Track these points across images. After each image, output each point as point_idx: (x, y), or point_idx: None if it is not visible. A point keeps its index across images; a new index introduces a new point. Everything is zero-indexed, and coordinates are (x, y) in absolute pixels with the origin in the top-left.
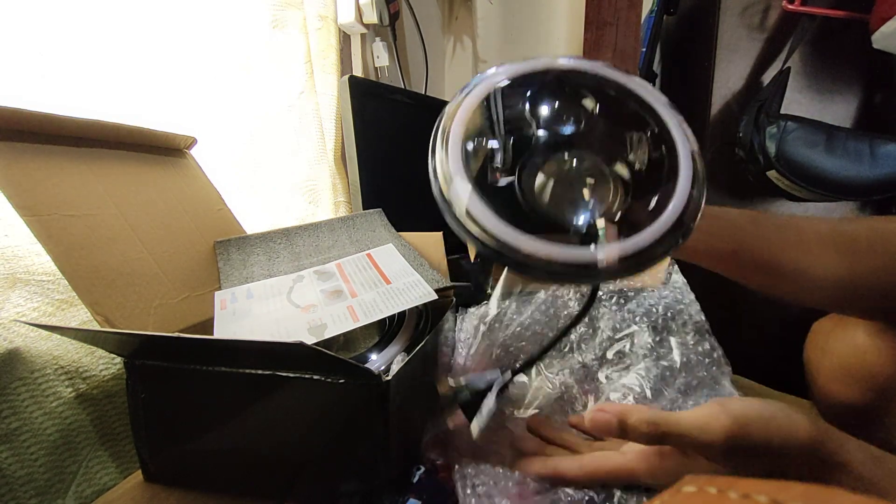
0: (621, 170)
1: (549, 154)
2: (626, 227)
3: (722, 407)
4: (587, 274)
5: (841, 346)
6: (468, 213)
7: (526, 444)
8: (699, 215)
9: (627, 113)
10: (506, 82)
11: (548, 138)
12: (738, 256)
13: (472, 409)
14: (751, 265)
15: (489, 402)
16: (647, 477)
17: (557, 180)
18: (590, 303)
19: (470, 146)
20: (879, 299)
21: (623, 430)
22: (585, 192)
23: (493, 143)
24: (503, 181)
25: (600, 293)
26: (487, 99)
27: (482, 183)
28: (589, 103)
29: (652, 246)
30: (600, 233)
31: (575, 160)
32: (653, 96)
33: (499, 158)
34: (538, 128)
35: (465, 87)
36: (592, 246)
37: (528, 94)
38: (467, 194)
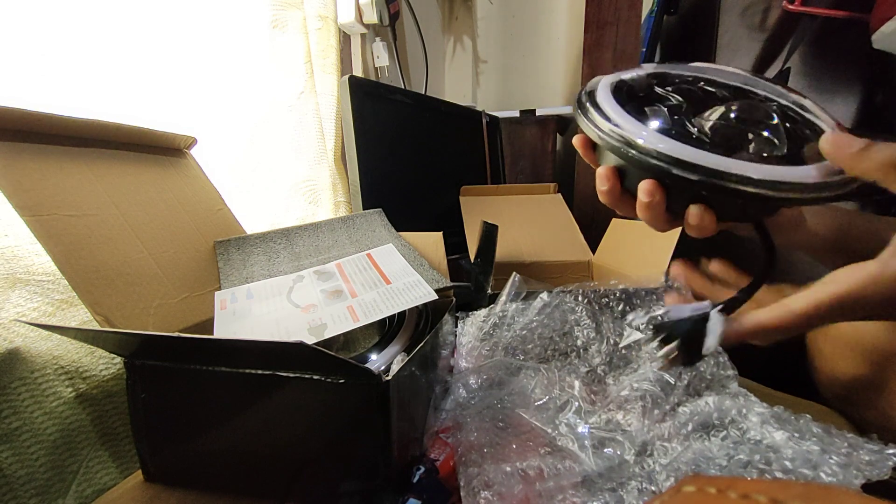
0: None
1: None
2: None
3: None
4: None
5: (840, 325)
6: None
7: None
8: None
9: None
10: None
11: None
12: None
13: (692, 340)
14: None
15: (715, 322)
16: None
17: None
18: (768, 241)
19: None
20: None
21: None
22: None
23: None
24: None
25: (608, 299)
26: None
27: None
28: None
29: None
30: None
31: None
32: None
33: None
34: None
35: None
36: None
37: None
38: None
